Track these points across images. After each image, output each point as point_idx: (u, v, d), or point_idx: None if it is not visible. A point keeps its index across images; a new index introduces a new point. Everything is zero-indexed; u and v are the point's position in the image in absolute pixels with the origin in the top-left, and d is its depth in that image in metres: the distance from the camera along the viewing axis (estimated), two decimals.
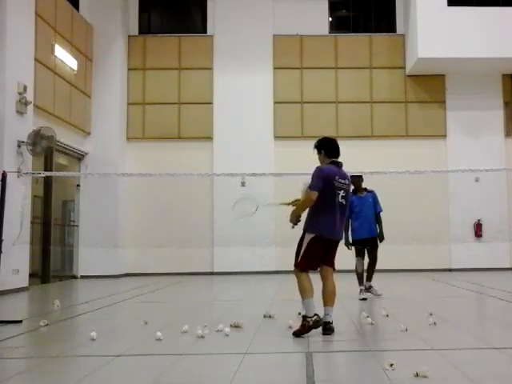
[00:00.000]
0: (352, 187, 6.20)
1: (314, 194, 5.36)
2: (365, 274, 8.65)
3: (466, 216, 14.97)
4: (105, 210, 13.98)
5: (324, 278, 5.49)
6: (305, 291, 5.33)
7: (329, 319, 5.31)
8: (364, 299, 8.31)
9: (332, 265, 5.53)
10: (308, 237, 5.40)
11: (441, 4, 14.34)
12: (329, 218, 5.40)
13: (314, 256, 5.38)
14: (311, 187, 5.40)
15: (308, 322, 5.22)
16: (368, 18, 16.28)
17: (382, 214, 8.72)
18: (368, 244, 8.63)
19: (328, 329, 5.27)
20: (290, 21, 15.57)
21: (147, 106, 15.41)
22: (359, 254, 8.66)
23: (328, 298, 5.41)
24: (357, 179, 8.56)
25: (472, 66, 14.84)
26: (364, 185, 8.81)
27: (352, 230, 8.58)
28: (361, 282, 8.58)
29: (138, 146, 15.25)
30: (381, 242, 8.66)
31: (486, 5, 14.52)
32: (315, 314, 5.24)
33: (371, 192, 8.77)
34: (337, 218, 5.43)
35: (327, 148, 5.63)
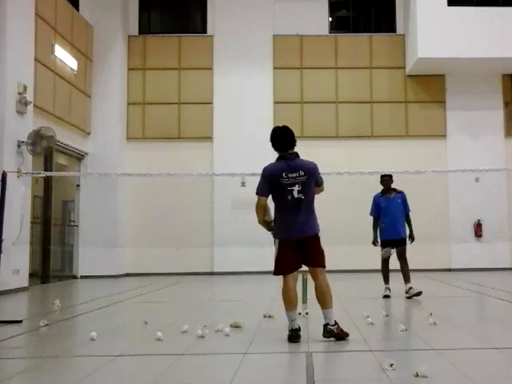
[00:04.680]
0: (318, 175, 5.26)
1: (261, 200, 5.10)
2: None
3: (465, 216, 14.96)
4: (105, 210, 13.98)
5: (313, 279, 5.12)
6: (285, 302, 5.06)
7: (326, 321, 4.97)
8: (387, 296, 8.36)
9: (317, 264, 5.07)
10: (276, 242, 5.16)
11: (441, 4, 14.33)
12: (287, 218, 5.05)
13: (284, 260, 5.05)
14: (256, 192, 5.11)
15: (288, 334, 5.04)
16: (368, 18, 16.28)
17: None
18: (394, 245, 8.57)
19: (325, 331, 4.94)
20: (290, 21, 15.57)
21: (147, 105, 15.40)
22: (385, 254, 8.64)
23: (319, 299, 5.05)
24: (386, 180, 8.61)
25: (472, 66, 14.84)
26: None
27: (380, 231, 8.64)
28: (386, 281, 8.61)
29: (137, 146, 15.24)
30: (411, 242, 8.64)
31: (485, 5, 14.51)
32: (292, 330, 4.98)
33: (401, 193, 8.74)
34: (296, 216, 5.01)
35: (272, 142, 5.23)
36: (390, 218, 8.53)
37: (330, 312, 4.99)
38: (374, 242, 8.70)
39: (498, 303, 8.10)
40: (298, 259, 5.08)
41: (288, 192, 5.02)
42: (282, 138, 5.20)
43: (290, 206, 5.04)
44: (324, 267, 5.12)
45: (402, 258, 8.61)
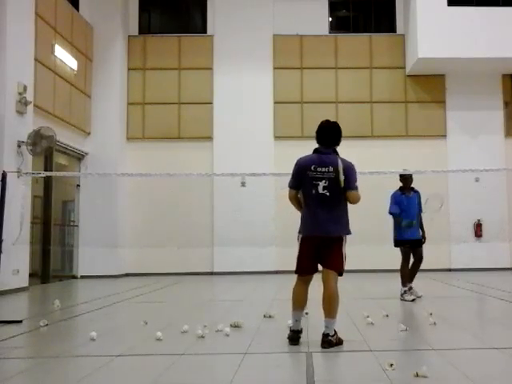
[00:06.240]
0: (340, 174, 4.89)
1: (290, 192, 5.01)
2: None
3: (466, 216, 14.96)
4: (105, 209, 13.97)
5: (323, 282, 4.89)
6: (292, 301, 4.95)
7: (326, 331, 4.77)
8: (413, 300, 8.06)
9: (331, 266, 4.85)
10: (299, 238, 5.00)
11: (441, 4, 14.33)
12: (309, 213, 4.89)
13: (303, 257, 4.91)
14: (288, 184, 5.04)
15: (288, 334, 4.96)
16: (368, 18, 16.28)
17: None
18: (414, 245, 8.45)
19: (324, 342, 4.74)
20: (290, 21, 15.57)
21: (147, 105, 15.40)
22: (406, 254, 8.45)
23: (324, 307, 4.82)
24: (409, 179, 8.52)
25: (472, 65, 14.84)
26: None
27: (398, 229, 8.43)
28: (404, 283, 8.32)
29: (138, 145, 15.24)
30: (423, 243, 8.58)
31: (486, 5, 14.51)
32: (293, 330, 4.90)
33: (417, 192, 8.67)
34: (318, 213, 4.82)
35: (317, 134, 5.07)
36: (411, 217, 8.41)
37: (332, 323, 4.81)
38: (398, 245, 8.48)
39: (498, 303, 8.11)
40: (317, 262, 4.92)
41: (313, 186, 4.83)
42: (328, 132, 5.02)
43: (313, 201, 4.85)
44: (338, 273, 4.90)
45: (420, 258, 8.49)
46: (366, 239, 13.70)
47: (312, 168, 4.85)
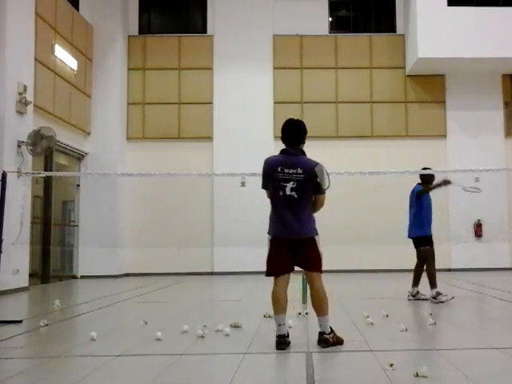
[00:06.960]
0: (318, 176, 4.76)
1: (266, 192, 4.96)
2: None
3: (465, 216, 14.96)
4: (105, 210, 13.98)
5: (309, 284, 4.90)
6: (272, 305, 4.81)
7: (322, 329, 4.80)
8: (452, 298, 7.94)
9: (312, 268, 4.81)
10: (268, 240, 4.91)
11: (441, 4, 14.33)
12: (276, 215, 4.83)
13: (274, 259, 4.81)
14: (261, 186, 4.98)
15: (275, 340, 4.79)
16: (368, 18, 16.28)
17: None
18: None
19: (321, 340, 4.78)
20: (290, 21, 15.57)
21: (147, 105, 15.41)
22: (433, 253, 8.56)
23: (315, 307, 4.83)
24: (431, 178, 8.79)
25: (472, 66, 14.84)
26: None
27: (425, 227, 8.63)
28: (435, 284, 8.21)
29: (138, 146, 15.25)
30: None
31: (485, 5, 14.51)
32: (279, 336, 4.75)
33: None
34: (285, 214, 4.74)
35: (281, 133, 4.95)
36: (431, 214, 8.70)
37: (326, 320, 4.81)
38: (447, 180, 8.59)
39: (498, 303, 8.11)
40: (290, 261, 4.81)
41: (280, 187, 4.74)
42: (290, 130, 4.90)
43: (281, 202, 4.76)
44: (320, 272, 4.87)
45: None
46: (366, 239, 13.73)
47: (279, 169, 4.76)
